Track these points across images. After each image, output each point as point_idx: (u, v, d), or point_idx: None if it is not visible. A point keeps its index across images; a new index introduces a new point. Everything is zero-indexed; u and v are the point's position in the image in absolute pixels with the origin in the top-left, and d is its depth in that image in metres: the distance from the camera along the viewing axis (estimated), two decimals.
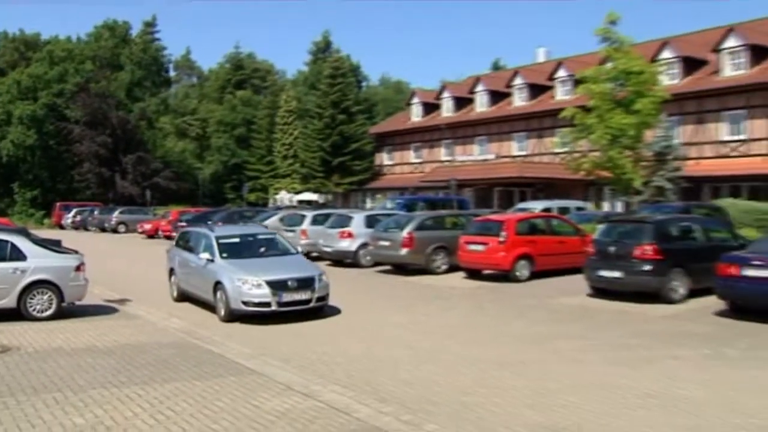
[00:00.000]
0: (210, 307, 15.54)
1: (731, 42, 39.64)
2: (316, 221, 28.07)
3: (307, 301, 14.60)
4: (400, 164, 61.87)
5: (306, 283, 14.65)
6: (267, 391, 9.13)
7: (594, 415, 8.17)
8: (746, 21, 42.48)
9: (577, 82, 33.29)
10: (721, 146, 39.41)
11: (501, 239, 20.54)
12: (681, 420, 7.99)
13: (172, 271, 18.18)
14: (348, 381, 9.80)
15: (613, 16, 29.87)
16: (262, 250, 16.48)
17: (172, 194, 67.99)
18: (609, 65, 29.87)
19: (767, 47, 39.47)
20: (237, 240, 16.55)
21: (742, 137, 38.60)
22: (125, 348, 11.82)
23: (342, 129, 61.06)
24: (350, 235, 25.10)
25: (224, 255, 15.44)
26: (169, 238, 39.78)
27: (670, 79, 40.00)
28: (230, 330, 13.85)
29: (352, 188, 61.80)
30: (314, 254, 25.68)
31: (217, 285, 14.83)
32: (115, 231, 50.24)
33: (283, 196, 63.90)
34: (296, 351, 11.73)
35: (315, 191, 62.48)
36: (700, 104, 40.40)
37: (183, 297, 17.40)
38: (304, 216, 29.59)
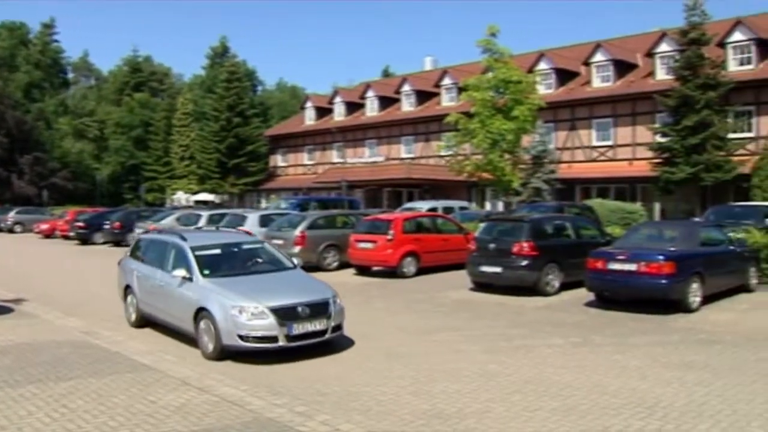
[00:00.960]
0: (183, 336, 11.75)
1: (599, 56, 41.33)
2: (211, 221, 27.63)
3: (322, 332, 10.82)
4: (294, 166, 61.74)
5: (320, 310, 10.85)
6: (163, 387, 8.93)
7: (475, 402, 8.32)
8: (612, 38, 44.39)
9: (461, 90, 33.86)
10: (591, 151, 40.93)
11: (389, 237, 20.69)
12: (554, 402, 8.24)
13: (128, 290, 13.76)
14: (242, 375, 9.68)
15: (493, 28, 30.53)
16: (250, 263, 12.54)
17: (69, 194, 65.74)
18: (490, 74, 30.49)
19: (630, 62, 41.27)
20: (218, 251, 12.39)
21: (609, 143, 40.21)
22: (21, 347, 11.29)
23: (238, 131, 60.53)
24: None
25: (206, 272, 11.50)
26: (66, 237, 38.51)
27: (545, 89, 41.33)
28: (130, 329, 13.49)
29: (248, 189, 61.32)
30: None
31: (200, 312, 10.93)
32: (11, 231, 48.08)
33: (180, 197, 62.75)
34: (190, 347, 11.45)
35: (211, 192, 61.62)
36: (572, 112, 41.86)
37: (144, 321, 13.30)
38: (199, 216, 29.15)
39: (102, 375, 9.52)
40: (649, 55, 39.31)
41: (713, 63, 33.38)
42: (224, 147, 60.24)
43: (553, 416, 7.74)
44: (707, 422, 7.49)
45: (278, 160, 63.70)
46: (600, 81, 41.32)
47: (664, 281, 13.88)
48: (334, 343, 11.19)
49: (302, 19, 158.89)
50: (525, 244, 16.85)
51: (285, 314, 10.44)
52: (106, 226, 35.08)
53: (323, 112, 60.31)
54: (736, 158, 32.75)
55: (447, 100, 48.85)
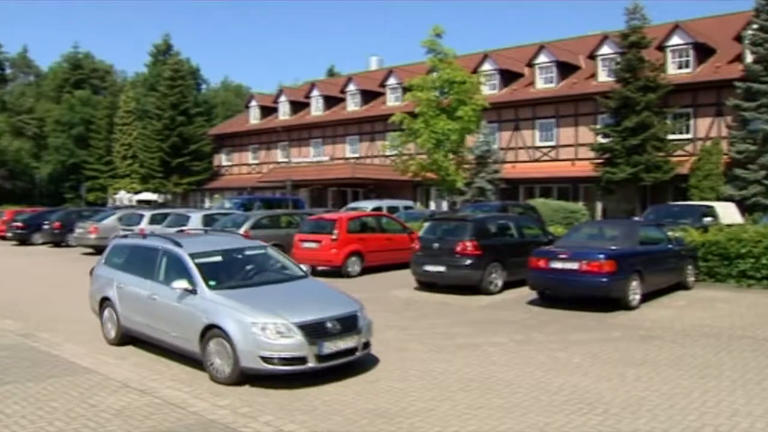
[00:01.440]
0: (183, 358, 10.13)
1: (543, 58, 41.85)
2: (154, 220, 27.29)
3: (353, 351, 9.56)
4: (238, 165, 61.35)
5: (349, 324, 9.55)
6: (103, 390, 8.77)
7: (419, 400, 8.35)
8: (556, 40, 44.91)
9: (406, 90, 34.03)
10: (534, 151, 41.44)
11: (333, 237, 20.67)
12: (497, 400, 8.31)
13: (105, 303, 11.91)
14: (185, 377, 9.57)
15: (438, 29, 30.72)
16: (257, 272, 11.05)
17: (7, 194, 64.28)
18: (435, 75, 30.67)
19: (572, 64, 41.92)
20: (219, 258, 10.83)
21: (552, 143, 40.75)
22: None
23: (181, 130, 59.74)
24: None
25: (212, 283, 9.99)
26: (3, 238, 37.48)
27: (490, 89, 41.73)
28: (65, 329, 13.16)
29: (191, 188, 60.66)
30: None
31: (210, 331, 9.44)
32: None
33: (123, 196, 61.81)
34: (132, 348, 11.28)
35: (154, 191, 60.87)
36: (516, 113, 42.31)
37: (127, 339, 11.51)
38: (142, 215, 28.74)
39: (40, 379, 9.31)
40: (591, 57, 40.00)
41: (653, 66, 34.16)
42: (167, 146, 59.42)
43: (496, 413, 7.81)
44: (646, 416, 7.64)
45: (222, 159, 63.23)
46: (543, 82, 41.88)
47: (604, 279, 14.11)
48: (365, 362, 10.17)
49: (247, 17, 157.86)
50: (468, 244, 16.96)
51: (314, 331, 9.10)
52: (46, 227, 34.31)
53: (268, 111, 59.98)
54: (674, 159, 33.61)
55: (392, 100, 48.99)
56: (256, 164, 58.82)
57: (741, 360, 10.12)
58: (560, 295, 15.21)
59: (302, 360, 9.00)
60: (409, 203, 36.93)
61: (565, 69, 41.70)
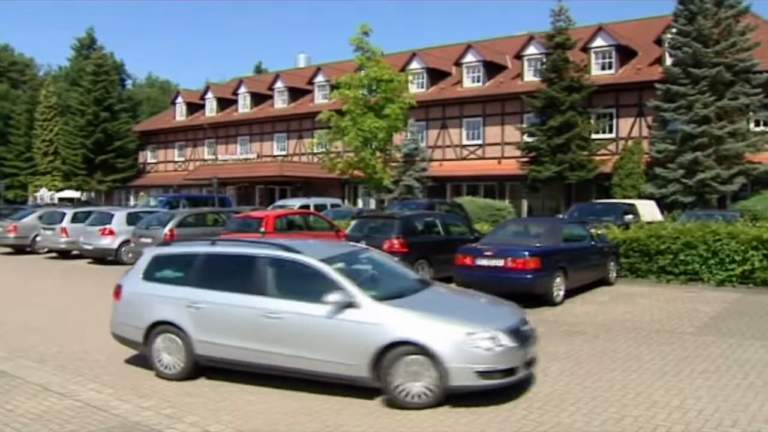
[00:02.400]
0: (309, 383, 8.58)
1: (470, 57, 42.32)
2: (76, 219, 26.61)
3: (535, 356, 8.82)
4: (164, 162, 60.45)
5: (530, 329, 8.84)
6: (22, 394, 8.47)
7: (348, 399, 8.31)
8: (483, 39, 45.44)
9: (334, 87, 33.92)
10: (461, 149, 41.86)
11: (260, 235, 20.48)
12: None
13: (157, 328, 9.33)
14: (107, 378, 9.27)
15: (365, 27, 30.60)
16: (388, 278, 9.68)
17: None
18: (362, 73, 30.62)
19: (499, 64, 42.49)
20: (342, 265, 9.09)
21: (478, 142, 41.24)
22: None
23: (105, 126, 58.40)
24: (111, 232, 24.06)
25: (373, 293, 8.47)
26: None
27: (417, 88, 42.09)
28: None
29: (116, 186, 59.46)
30: (75, 252, 25.00)
31: (392, 349, 7.90)
32: None
33: (44, 194, 60.08)
34: (52, 351, 10.83)
35: (77, 189, 59.42)
36: (443, 111, 42.70)
37: (197, 370, 9.27)
38: (64, 214, 27.96)
39: None
40: (518, 57, 40.59)
41: (577, 67, 34.93)
42: (91, 142, 58.01)
43: (423, 411, 7.82)
44: (569, 410, 7.77)
45: (148, 156, 62.23)
46: (470, 81, 42.35)
47: (529, 276, 14.31)
48: None
49: (173, 12, 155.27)
50: (395, 241, 17.05)
51: (519, 337, 8.17)
52: None
53: (194, 107, 59.24)
54: (598, 158, 34.41)
55: (320, 98, 48.87)
56: (182, 161, 58.06)
57: (660, 353, 10.39)
58: (485, 291, 15.30)
59: (512, 371, 8.02)
60: (337, 201, 36.98)
61: (492, 68, 42.25)
